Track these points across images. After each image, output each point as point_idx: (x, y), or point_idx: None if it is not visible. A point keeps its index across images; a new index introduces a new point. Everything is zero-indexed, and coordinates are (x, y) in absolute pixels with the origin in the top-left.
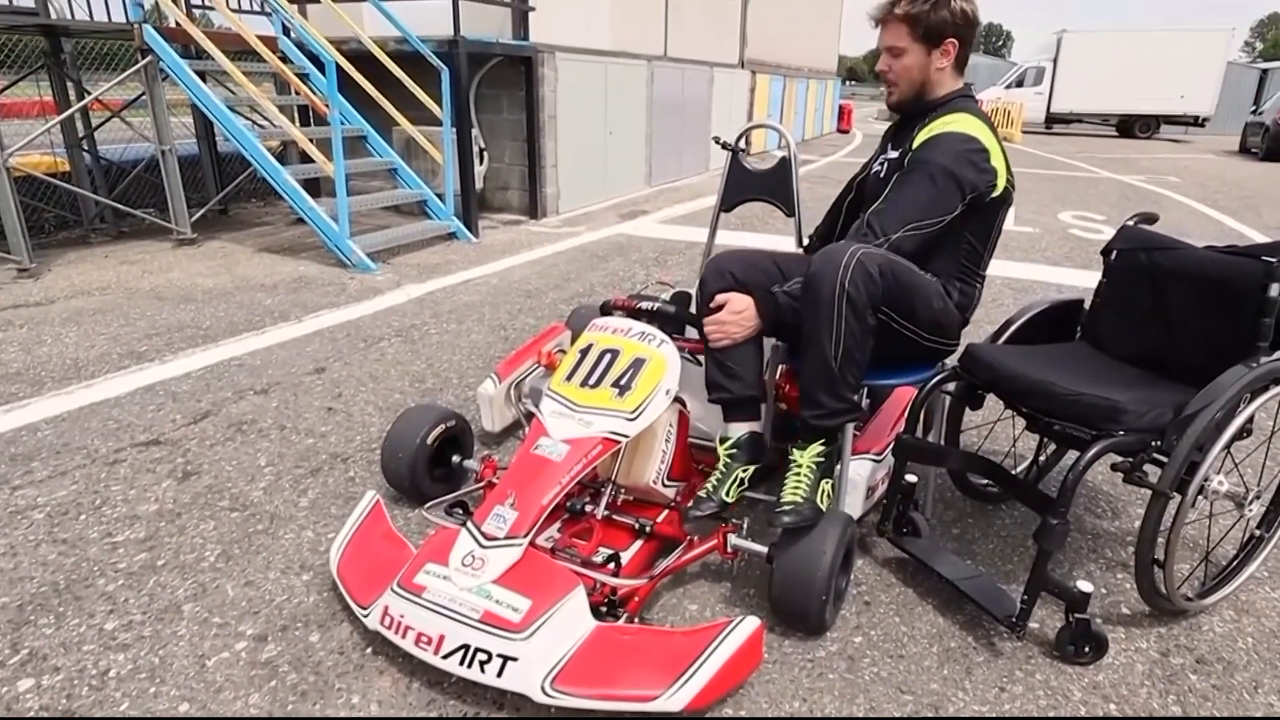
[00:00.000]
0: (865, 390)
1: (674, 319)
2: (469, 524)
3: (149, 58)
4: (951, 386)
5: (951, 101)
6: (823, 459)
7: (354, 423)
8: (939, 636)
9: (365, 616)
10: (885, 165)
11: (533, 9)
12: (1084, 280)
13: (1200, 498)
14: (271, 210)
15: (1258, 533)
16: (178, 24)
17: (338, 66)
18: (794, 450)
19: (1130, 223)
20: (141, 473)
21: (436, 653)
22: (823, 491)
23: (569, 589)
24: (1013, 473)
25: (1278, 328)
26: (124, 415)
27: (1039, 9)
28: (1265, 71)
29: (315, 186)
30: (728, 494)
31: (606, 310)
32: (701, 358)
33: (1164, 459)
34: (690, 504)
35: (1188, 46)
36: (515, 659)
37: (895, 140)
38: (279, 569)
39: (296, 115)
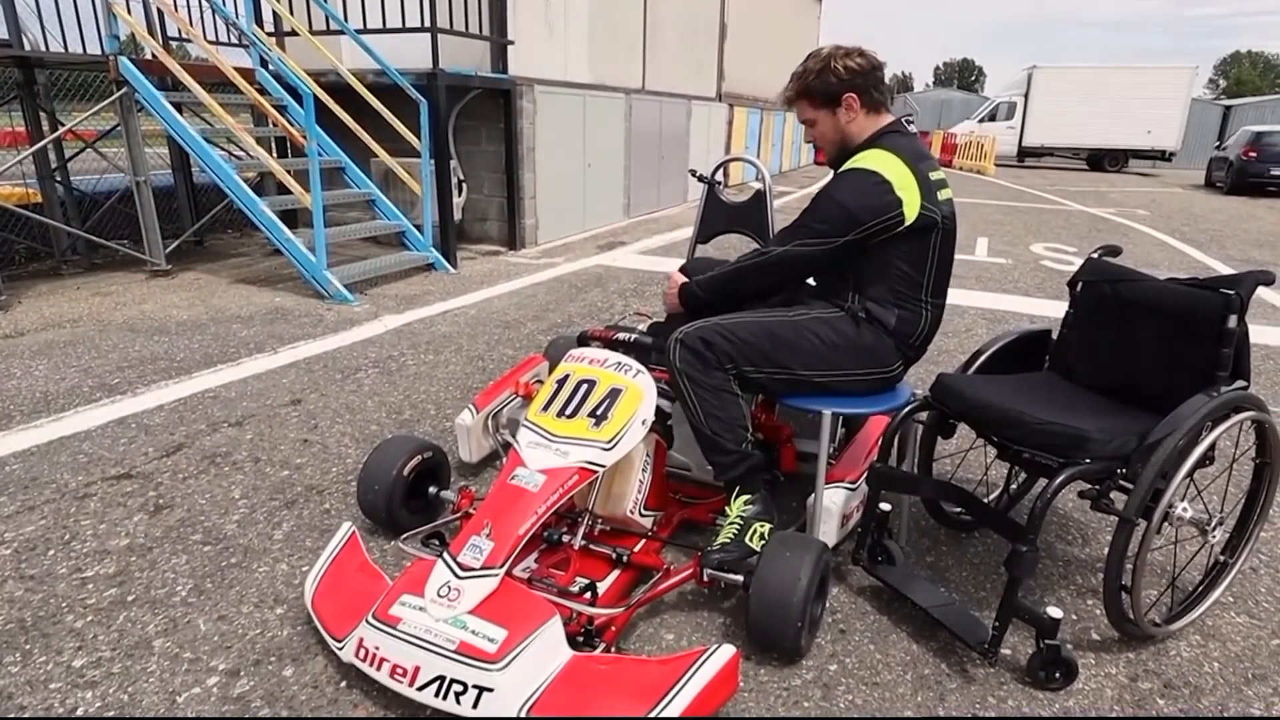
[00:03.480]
0: (751, 440)
1: (650, 349)
2: (445, 555)
3: (124, 89)
4: (923, 416)
5: (872, 139)
6: (751, 505)
7: (330, 454)
8: (913, 663)
9: (340, 649)
10: None
11: (511, 43)
12: (1055, 310)
13: (1165, 524)
14: (247, 241)
15: (1222, 559)
16: (154, 56)
17: (315, 98)
18: (727, 504)
19: (1095, 255)
20: (112, 506)
21: (412, 684)
22: (756, 533)
23: (545, 619)
24: (985, 501)
25: (1237, 357)
26: (94, 448)
27: (1010, 45)
28: (1228, 108)
29: (293, 218)
30: (753, 542)
31: (584, 341)
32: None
33: (1130, 486)
34: (715, 551)
35: (1154, 83)
36: (491, 689)
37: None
38: (252, 603)
39: (274, 146)
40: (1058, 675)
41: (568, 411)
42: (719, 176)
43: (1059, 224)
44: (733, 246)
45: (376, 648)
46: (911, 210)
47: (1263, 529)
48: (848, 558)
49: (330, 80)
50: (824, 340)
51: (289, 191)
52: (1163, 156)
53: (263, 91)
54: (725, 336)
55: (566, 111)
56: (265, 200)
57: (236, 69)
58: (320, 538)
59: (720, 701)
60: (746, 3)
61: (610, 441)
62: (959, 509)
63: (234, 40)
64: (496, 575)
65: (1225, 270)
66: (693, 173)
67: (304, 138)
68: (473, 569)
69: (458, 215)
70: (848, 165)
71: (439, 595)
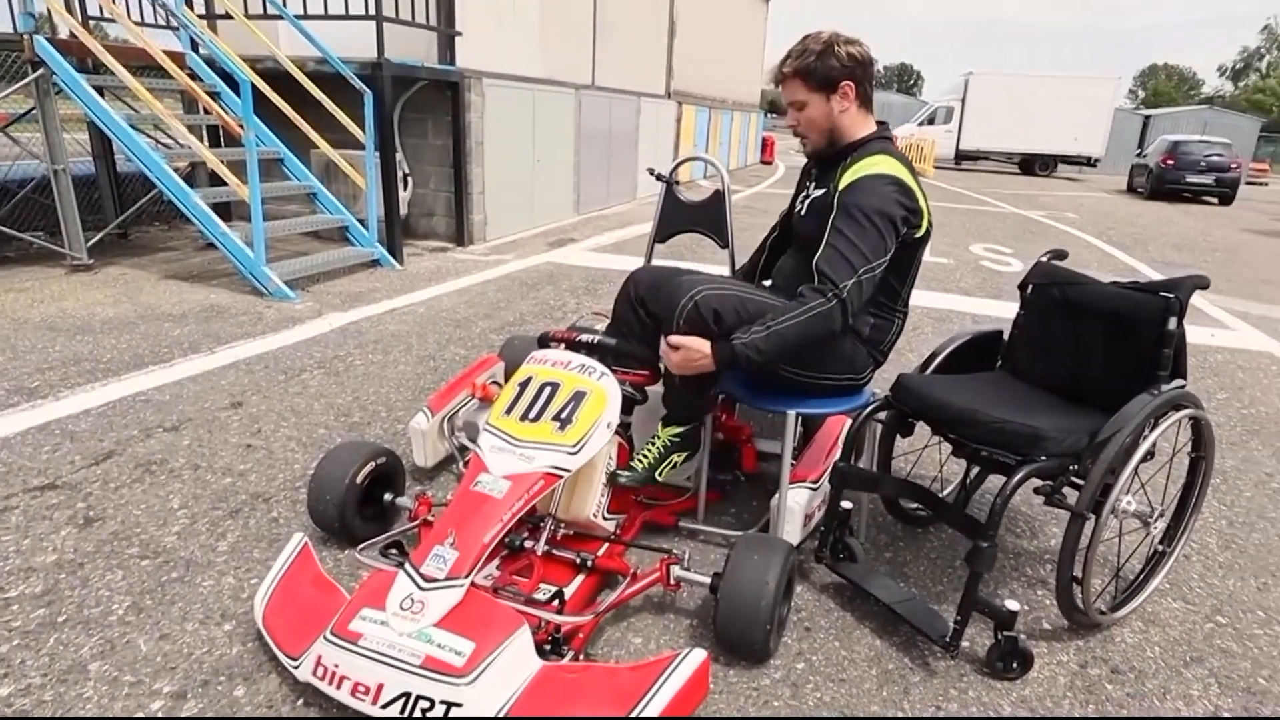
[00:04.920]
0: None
1: (614, 351)
2: (407, 565)
3: (40, 71)
4: (883, 415)
5: (870, 143)
6: (676, 436)
7: (275, 460)
8: (877, 659)
9: (296, 668)
10: (809, 203)
11: (459, 34)
12: (996, 310)
13: (1112, 517)
14: (177, 234)
15: (1160, 548)
16: (73, 35)
17: (252, 85)
18: (659, 425)
19: (1043, 259)
20: (36, 520)
21: (375, 702)
22: (670, 463)
23: (513, 629)
24: (942, 497)
25: (1175, 357)
26: (14, 458)
27: (946, 50)
28: (1148, 118)
29: (226, 210)
30: (660, 473)
31: (544, 342)
32: (645, 391)
33: (1080, 482)
34: (620, 471)
35: (1081, 92)
36: (459, 704)
37: (819, 179)
38: (197, 619)
39: (205, 135)
40: (1015, 666)
41: (531, 415)
42: (676, 176)
43: (995, 225)
44: (685, 244)
45: (336, 665)
46: (925, 220)
47: (1196, 518)
48: (809, 555)
49: (268, 67)
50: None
51: (223, 183)
52: (1088, 162)
53: (194, 77)
54: (738, 311)
55: (516, 105)
56: (198, 192)
57: (165, 52)
58: (269, 548)
59: (693, 706)
60: (696, 1)
61: (575, 445)
62: (916, 505)
63: (161, 21)
64: (461, 586)
65: (1150, 272)
66: (651, 171)
67: (241, 127)
68: (436, 580)
69: (403, 210)
70: (863, 172)
71: (401, 608)
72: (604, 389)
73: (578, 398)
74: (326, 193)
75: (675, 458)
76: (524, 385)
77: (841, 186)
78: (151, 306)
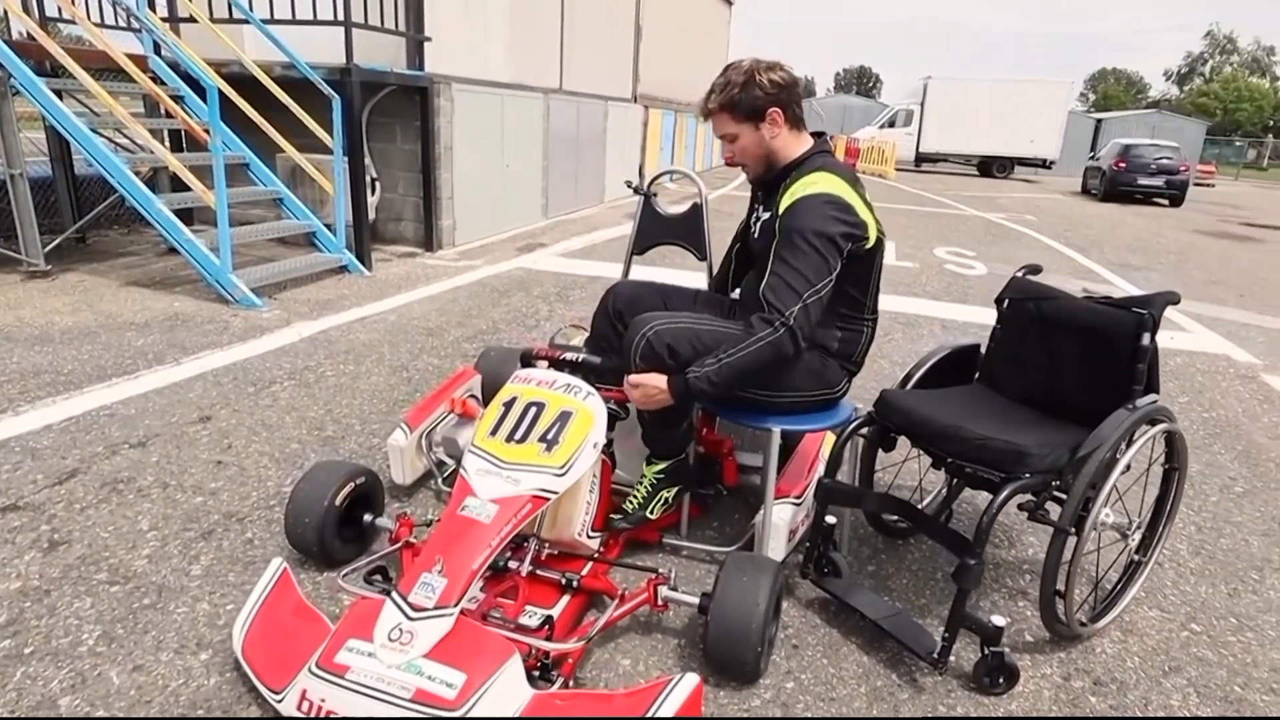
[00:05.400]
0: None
1: (598, 370)
2: (394, 594)
3: None
4: (865, 430)
5: (807, 160)
6: (663, 472)
7: (248, 477)
8: (866, 676)
9: (279, 702)
10: (759, 225)
11: (429, 39)
12: (963, 314)
13: (1092, 531)
14: (137, 239)
15: (1136, 558)
16: (30, 36)
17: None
18: (644, 465)
19: (1019, 274)
20: None
21: None
22: (660, 499)
23: (504, 658)
24: (926, 512)
25: (1149, 371)
26: None
27: (904, 53)
28: (1099, 121)
29: (188, 215)
30: (652, 511)
31: (528, 360)
32: (628, 407)
33: (1063, 497)
34: (613, 516)
35: (1036, 96)
36: None
37: (765, 201)
38: (172, 649)
39: (167, 138)
40: (1001, 680)
41: (517, 436)
42: (653, 189)
43: (958, 228)
44: (660, 253)
45: (322, 700)
46: (872, 233)
47: (1170, 528)
48: (793, 570)
49: (233, 71)
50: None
51: (185, 188)
52: (1044, 164)
53: (157, 81)
54: (694, 346)
55: (484, 110)
56: (161, 197)
57: (127, 55)
58: (244, 571)
59: None
60: (661, 4)
61: (562, 467)
62: (897, 517)
63: (123, 24)
64: (451, 615)
65: (1107, 274)
66: (628, 184)
67: (206, 132)
68: (425, 609)
69: (371, 215)
70: (800, 194)
71: (390, 639)
72: (590, 409)
73: (564, 418)
74: (293, 198)
75: (665, 493)
76: (509, 405)
77: (781, 211)
78: (113, 315)
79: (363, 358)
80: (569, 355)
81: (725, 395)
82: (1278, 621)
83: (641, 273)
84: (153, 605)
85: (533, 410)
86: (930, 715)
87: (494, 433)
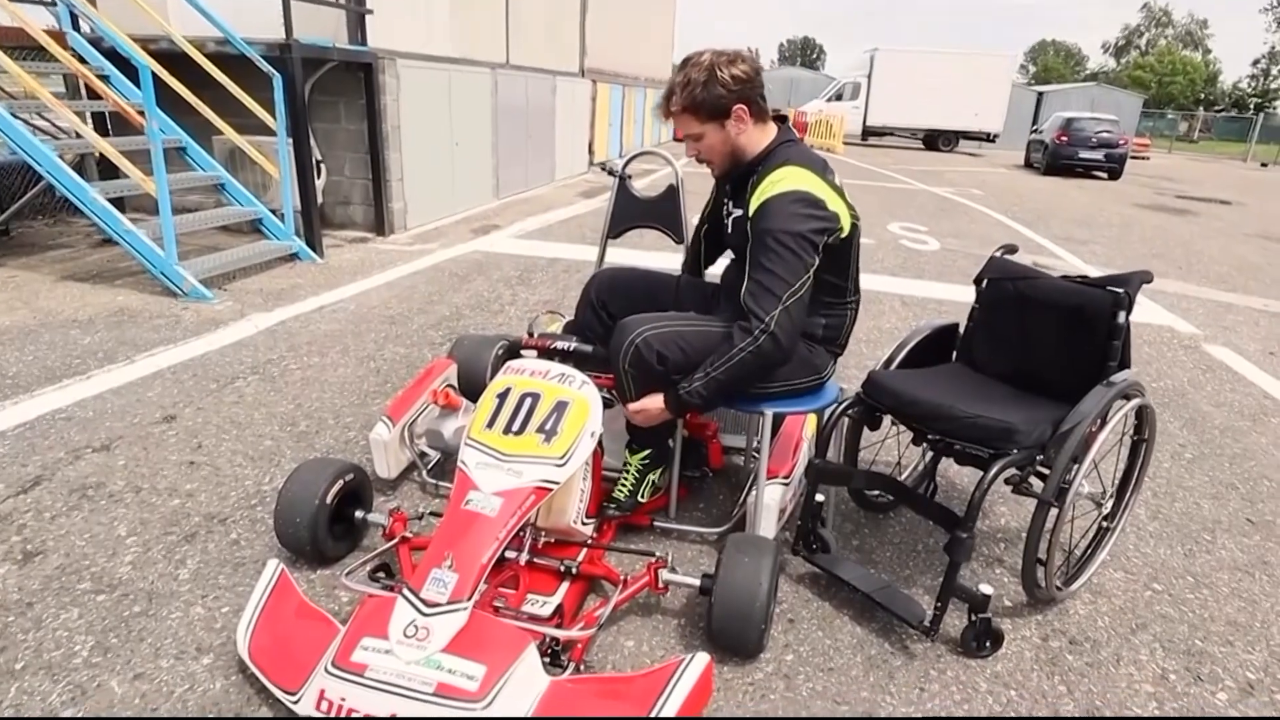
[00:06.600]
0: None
1: (590, 358)
2: (405, 591)
3: None
4: (852, 410)
5: (774, 153)
6: (648, 460)
7: (224, 476)
8: (860, 646)
9: (296, 703)
10: (733, 221)
11: (370, 11)
12: (922, 290)
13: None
14: (66, 231)
15: (1105, 524)
16: None
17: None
18: (626, 454)
19: (997, 254)
20: None
21: None
22: (649, 484)
23: (522, 648)
24: (914, 489)
25: (1124, 348)
26: None
27: (848, 25)
28: (1041, 94)
29: (119, 205)
30: (641, 495)
31: (514, 351)
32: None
33: (1046, 471)
34: (610, 506)
35: (979, 69)
36: None
37: (734, 197)
38: (171, 655)
39: (90, 122)
40: (988, 644)
41: (514, 428)
42: (627, 171)
43: (909, 204)
44: (635, 239)
45: (343, 699)
46: (846, 222)
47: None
48: (783, 548)
49: (161, 48)
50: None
51: (115, 174)
52: (988, 138)
53: (79, 59)
54: (682, 349)
55: (431, 87)
56: (95, 186)
57: (45, 31)
58: (235, 573)
59: (701, 708)
60: None
61: (563, 457)
62: (879, 493)
63: None
64: (465, 609)
65: (1053, 247)
66: (602, 166)
67: (141, 115)
68: (439, 604)
69: (318, 199)
70: (770, 193)
71: (406, 635)
72: (586, 398)
73: (560, 408)
74: (235, 182)
75: (651, 476)
76: (503, 397)
77: (753, 213)
78: (52, 312)
79: (326, 349)
80: (560, 344)
81: (719, 402)
82: (1230, 579)
83: (618, 256)
84: (144, 612)
85: (528, 401)
86: (923, 679)
87: (490, 425)
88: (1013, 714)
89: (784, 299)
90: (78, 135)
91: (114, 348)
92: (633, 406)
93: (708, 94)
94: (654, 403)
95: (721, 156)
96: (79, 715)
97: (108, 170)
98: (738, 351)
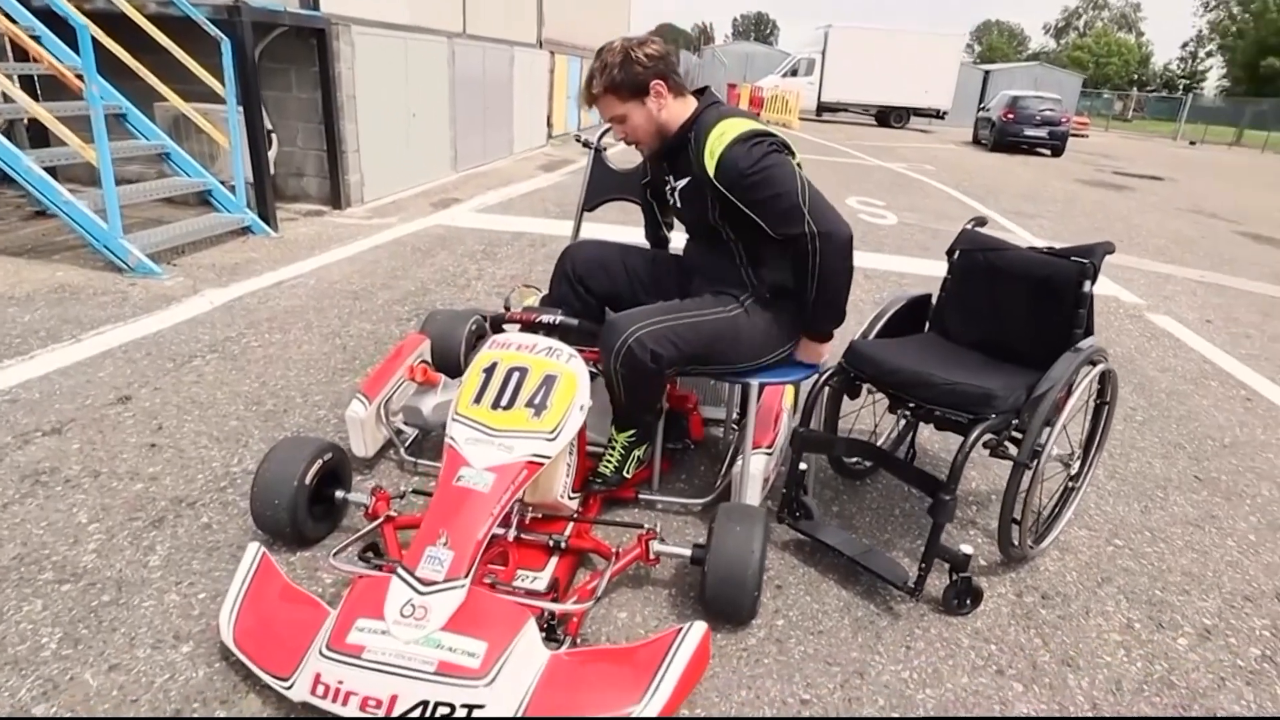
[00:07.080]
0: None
1: (577, 331)
2: (400, 570)
3: None
4: (834, 380)
5: (702, 117)
6: (633, 438)
7: (188, 459)
8: (847, 608)
9: (289, 688)
10: (679, 194)
11: None
12: (883, 263)
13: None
14: None
15: (1071, 484)
16: None
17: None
18: (612, 430)
19: (969, 226)
20: None
21: (390, 714)
22: (634, 459)
23: (521, 623)
24: (894, 455)
25: (1089, 317)
26: None
27: (799, 1)
28: (988, 72)
29: (52, 174)
30: (627, 471)
31: (497, 325)
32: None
33: (1020, 435)
34: (596, 481)
35: (930, 47)
36: (482, 705)
37: (674, 170)
38: (148, 645)
39: (18, 84)
40: (969, 602)
41: (503, 403)
42: (602, 143)
43: (865, 178)
44: (610, 213)
45: (340, 681)
46: (797, 158)
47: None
48: (769, 516)
49: (97, 8)
50: (759, 330)
51: (47, 142)
52: (938, 115)
53: (8, 18)
54: (675, 344)
55: (387, 55)
56: (30, 155)
57: None
58: (209, 558)
59: (699, 675)
60: None
61: (553, 432)
62: (856, 460)
63: None
64: (463, 586)
65: (1003, 220)
66: (578, 139)
67: (80, 79)
68: (435, 582)
69: (270, 170)
70: (720, 147)
71: (403, 615)
72: (574, 371)
73: (549, 382)
74: (181, 152)
75: (636, 452)
76: (490, 371)
77: (713, 173)
78: None
79: (288, 325)
80: (545, 318)
81: (842, 315)
82: (1183, 532)
83: (588, 229)
84: (114, 601)
85: (516, 375)
86: (909, 638)
87: (478, 400)
88: (1014, 713)
89: (804, 204)
90: (6, 99)
91: (57, 326)
92: (808, 356)
93: (625, 74)
94: (824, 348)
95: (648, 135)
96: (52, 713)
97: (38, 138)
98: (815, 269)
